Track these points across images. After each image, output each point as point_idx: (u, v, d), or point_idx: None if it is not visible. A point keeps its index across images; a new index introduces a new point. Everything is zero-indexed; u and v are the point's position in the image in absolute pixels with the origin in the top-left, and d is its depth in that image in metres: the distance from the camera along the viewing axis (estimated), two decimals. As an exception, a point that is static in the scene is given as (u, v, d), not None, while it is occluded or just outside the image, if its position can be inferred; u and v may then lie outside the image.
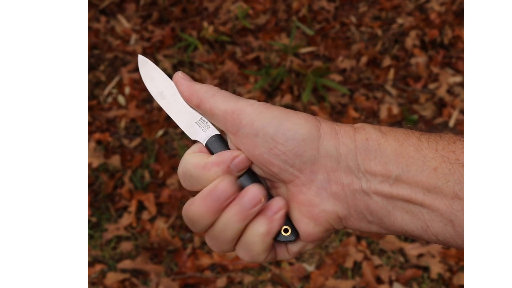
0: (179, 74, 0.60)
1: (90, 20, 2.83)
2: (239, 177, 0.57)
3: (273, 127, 0.54)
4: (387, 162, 0.53)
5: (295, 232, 0.57)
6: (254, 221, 0.55)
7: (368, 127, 0.56)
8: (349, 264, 1.87)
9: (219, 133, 0.59)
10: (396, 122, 2.32)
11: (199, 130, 0.59)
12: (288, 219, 0.57)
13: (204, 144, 0.59)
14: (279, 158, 0.55)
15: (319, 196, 0.55)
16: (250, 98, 2.46)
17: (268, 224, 0.55)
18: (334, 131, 0.55)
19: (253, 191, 0.55)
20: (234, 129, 0.56)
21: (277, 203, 0.56)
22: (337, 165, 0.54)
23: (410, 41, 2.62)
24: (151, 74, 0.61)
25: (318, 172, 0.55)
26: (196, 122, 0.60)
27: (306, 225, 0.56)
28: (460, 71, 2.50)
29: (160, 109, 2.41)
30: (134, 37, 2.75)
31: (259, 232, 0.55)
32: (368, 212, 0.55)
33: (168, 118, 2.38)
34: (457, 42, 2.61)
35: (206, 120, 0.59)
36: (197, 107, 0.59)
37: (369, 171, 0.54)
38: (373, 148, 0.54)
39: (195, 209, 0.55)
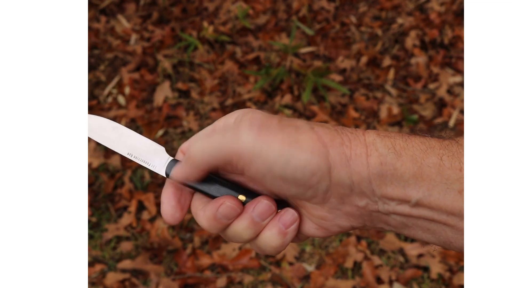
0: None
1: (90, 20, 2.83)
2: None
3: (279, 168, 0.51)
4: (406, 186, 0.50)
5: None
6: (267, 231, 0.54)
7: (380, 145, 0.51)
8: (349, 264, 1.87)
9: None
10: (396, 122, 2.32)
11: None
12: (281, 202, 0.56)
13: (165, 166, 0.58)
14: (290, 191, 0.53)
15: (333, 213, 0.53)
16: (250, 98, 2.45)
17: (281, 238, 0.54)
18: (344, 158, 0.51)
19: (263, 205, 0.54)
20: (239, 171, 0.54)
21: (289, 216, 0.54)
22: (350, 191, 0.52)
23: (410, 41, 2.62)
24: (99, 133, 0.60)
25: (331, 197, 0.52)
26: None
27: (314, 230, 0.55)
28: (460, 71, 2.49)
29: (160, 109, 2.41)
30: (134, 37, 2.75)
31: (273, 246, 0.54)
32: (386, 224, 0.54)
33: (168, 118, 2.38)
34: (457, 42, 2.61)
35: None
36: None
37: (386, 196, 0.51)
38: (388, 173, 0.50)
39: (205, 225, 0.55)
